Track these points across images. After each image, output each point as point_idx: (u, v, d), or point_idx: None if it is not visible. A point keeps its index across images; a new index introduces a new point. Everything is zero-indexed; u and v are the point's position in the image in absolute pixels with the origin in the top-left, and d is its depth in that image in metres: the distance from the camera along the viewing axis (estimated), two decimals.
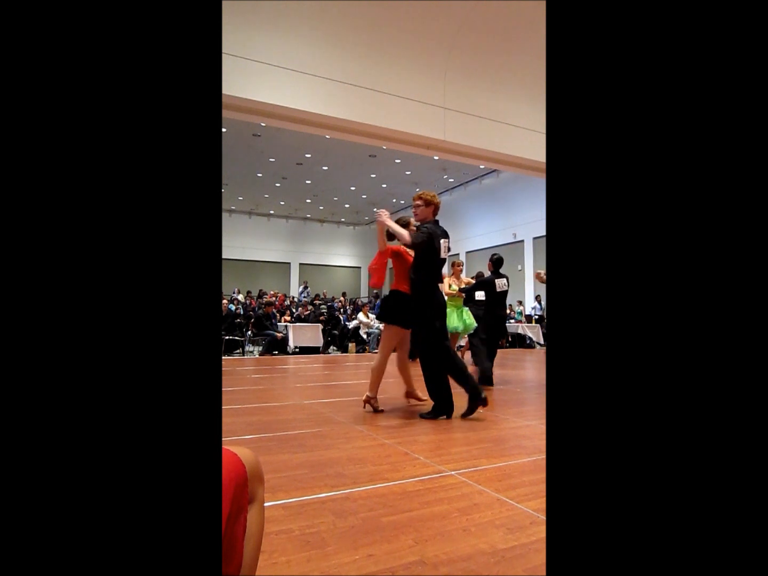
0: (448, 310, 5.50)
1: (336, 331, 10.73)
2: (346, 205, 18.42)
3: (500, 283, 5.15)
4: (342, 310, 12.69)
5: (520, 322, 12.65)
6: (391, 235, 3.47)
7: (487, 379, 4.88)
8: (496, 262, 5.24)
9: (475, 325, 5.79)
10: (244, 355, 9.31)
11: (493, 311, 5.18)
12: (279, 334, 9.37)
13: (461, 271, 5.96)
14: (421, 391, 3.71)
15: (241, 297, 13.88)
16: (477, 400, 3.18)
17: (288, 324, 10.03)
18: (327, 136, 6.71)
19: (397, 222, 3.51)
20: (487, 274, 5.50)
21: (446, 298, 5.42)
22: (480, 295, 6.21)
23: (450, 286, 5.60)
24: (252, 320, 9.59)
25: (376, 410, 3.42)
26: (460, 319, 5.70)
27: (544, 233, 13.53)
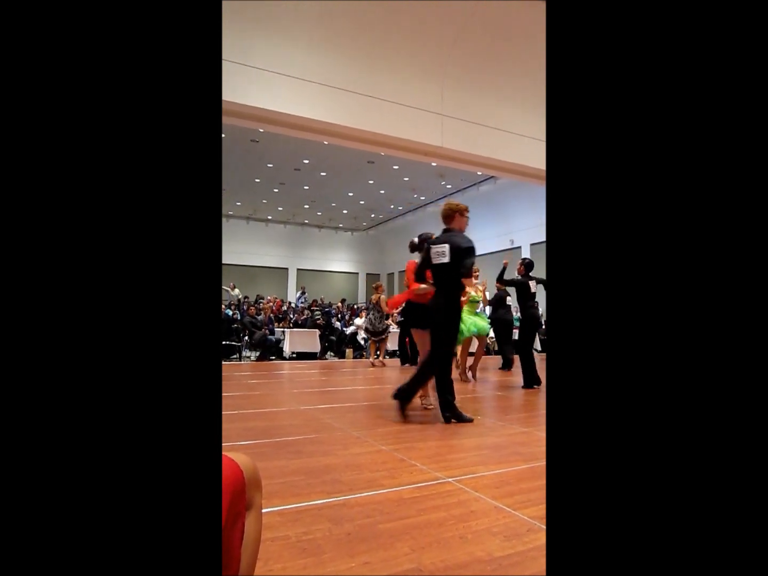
0: (464, 315, 5.83)
1: (333, 337, 10.71)
2: (344, 211, 18.43)
3: (532, 285, 5.35)
4: (339, 316, 12.67)
5: (518, 328, 12.59)
6: (418, 246, 3.90)
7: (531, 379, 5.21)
8: (528, 266, 5.40)
9: (489, 327, 6.18)
10: (240, 360, 9.28)
11: (526, 312, 5.37)
12: (266, 331, 9.37)
13: (477, 277, 6.10)
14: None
15: (237, 291, 13.75)
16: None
17: (285, 329, 10.02)
18: (325, 142, 6.73)
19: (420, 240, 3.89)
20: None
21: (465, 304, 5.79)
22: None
23: (469, 293, 5.82)
24: (252, 335, 9.51)
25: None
26: (474, 324, 5.93)
27: (541, 239, 13.57)
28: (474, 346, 6.42)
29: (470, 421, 3.26)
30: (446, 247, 3.33)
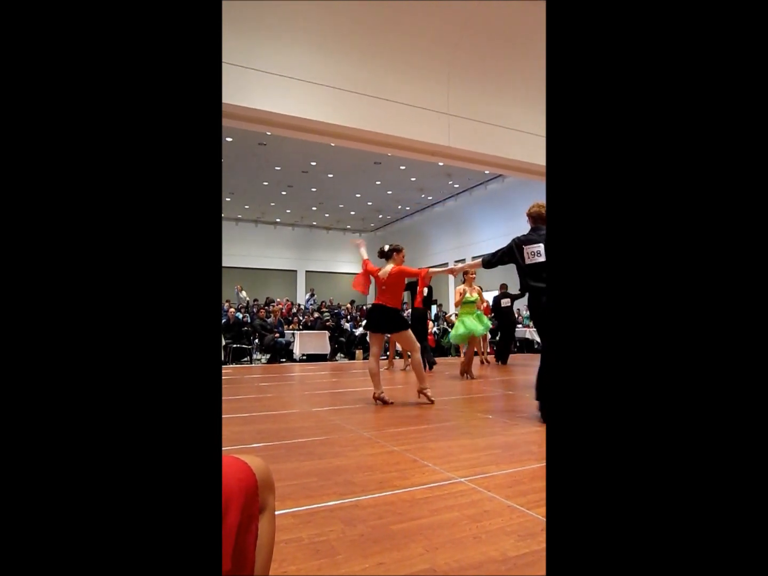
0: (463, 315, 6.10)
1: (343, 338, 10.74)
2: (352, 213, 18.47)
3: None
4: (348, 317, 12.68)
5: (528, 327, 12.62)
6: (387, 254, 4.29)
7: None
8: None
9: (489, 326, 6.49)
10: (251, 363, 9.32)
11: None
12: (276, 334, 9.44)
13: (474, 278, 6.33)
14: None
15: (244, 294, 13.84)
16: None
17: (295, 331, 10.05)
18: (332, 144, 6.75)
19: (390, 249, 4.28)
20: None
21: (459, 305, 6.31)
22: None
23: (465, 294, 6.07)
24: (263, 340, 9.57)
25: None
26: (476, 322, 6.18)
27: None
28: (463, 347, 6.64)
29: None
30: (541, 247, 3.37)
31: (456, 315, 10.26)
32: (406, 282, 4.39)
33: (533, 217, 3.54)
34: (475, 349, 6.90)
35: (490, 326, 6.59)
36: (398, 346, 10.27)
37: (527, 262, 3.41)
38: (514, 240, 3.55)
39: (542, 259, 3.35)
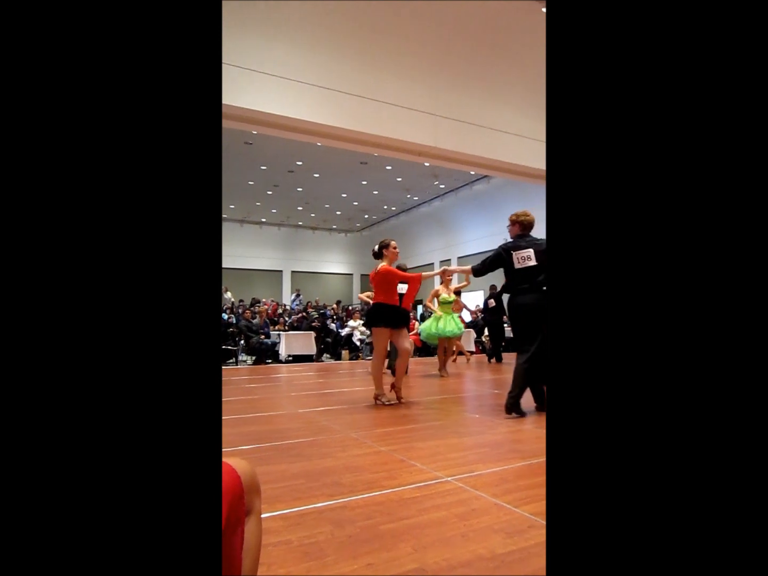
0: (440, 316, 6.29)
1: (329, 339, 10.70)
2: (338, 212, 18.42)
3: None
4: (334, 317, 12.65)
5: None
6: (378, 254, 4.25)
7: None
8: None
9: (462, 329, 6.72)
10: (237, 364, 9.25)
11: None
12: (263, 336, 9.43)
13: (451, 280, 6.51)
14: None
15: (229, 294, 13.80)
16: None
17: (280, 332, 9.99)
18: (318, 144, 6.73)
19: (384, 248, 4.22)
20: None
21: (437, 306, 6.55)
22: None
23: (440, 296, 6.26)
24: (249, 341, 9.53)
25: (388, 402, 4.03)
26: (451, 325, 6.42)
27: None
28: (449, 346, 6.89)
29: (524, 415, 3.43)
30: (531, 252, 3.58)
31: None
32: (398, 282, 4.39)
33: (523, 224, 3.69)
34: (455, 349, 7.20)
35: (462, 330, 6.84)
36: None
37: (517, 266, 3.59)
38: (500, 247, 3.72)
39: (533, 263, 3.55)
